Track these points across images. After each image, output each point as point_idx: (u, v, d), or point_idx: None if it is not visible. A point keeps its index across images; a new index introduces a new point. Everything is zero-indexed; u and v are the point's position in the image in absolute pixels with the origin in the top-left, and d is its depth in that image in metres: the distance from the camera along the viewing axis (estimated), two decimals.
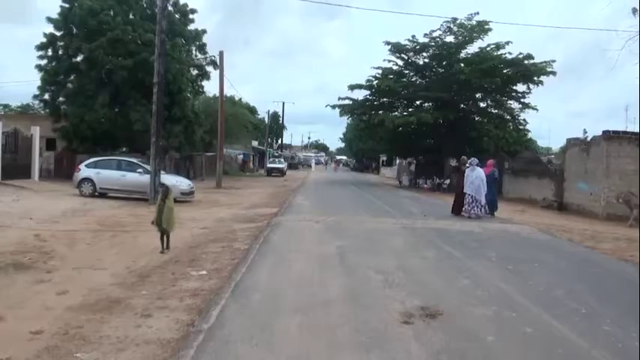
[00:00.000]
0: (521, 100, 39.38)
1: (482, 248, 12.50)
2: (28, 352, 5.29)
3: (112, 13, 31.91)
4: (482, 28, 37.50)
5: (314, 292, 7.90)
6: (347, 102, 42.83)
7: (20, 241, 11.36)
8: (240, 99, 59.56)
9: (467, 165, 20.11)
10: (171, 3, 32.62)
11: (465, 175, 19.75)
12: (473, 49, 38.66)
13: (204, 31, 36.68)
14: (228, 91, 41.77)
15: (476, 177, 19.58)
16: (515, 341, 6.02)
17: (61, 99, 33.43)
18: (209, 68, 37.77)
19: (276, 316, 6.65)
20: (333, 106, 43.05)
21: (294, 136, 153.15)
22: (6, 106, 58.21)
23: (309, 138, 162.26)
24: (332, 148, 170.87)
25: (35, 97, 34.92)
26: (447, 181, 38.33)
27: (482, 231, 15.72)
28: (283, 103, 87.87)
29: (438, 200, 28.68)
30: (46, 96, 33.70)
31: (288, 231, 14.33)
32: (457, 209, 19.79)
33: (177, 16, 34.36)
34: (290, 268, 9.63)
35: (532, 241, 14.46)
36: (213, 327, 6.10)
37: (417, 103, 42.19)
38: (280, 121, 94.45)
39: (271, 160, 68.24)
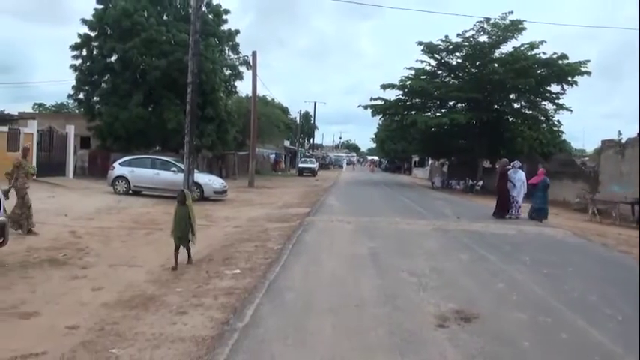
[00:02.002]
0: (555, 100, 38.82)
1: (517, 251, 12.37)
2: (64, 347, 5.34)
3: (145, 14, 32.27)
4: (515, 27, 36.97)
5: (347, 292, 7.86)
6: (379, 102, 42.64)
7: (55, 238, 11.50)
8: (273, 99, 59.78)
9: (509, 167, 20.18)
10: (205, 4, 32.85)
11: (508, 176, 19.76)
12: (507, 48, 38.18)
13: (237, 32, 36.87)
14: (260, 91, 41.89)
15: (517, 179, 20.00)
16: (550, 347, 5.93)
17: (95, 98, 33.98)
18: (242, 68, 37.98)
19: (310, 315, 6.65)
20: (365, 107, 42.91)
21: (325, 136, 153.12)
22: (41, 105, 59.33)
23: (340, 138, 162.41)
24: (363, 148, 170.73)
25: (70, 96, 35.60)
26: (480, 183, 37.96)
27: (516, 234, 15.58)
28: (315, 103, 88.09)
29: (471, 202, 28.43)
30: (81, 95, 34.29)
31: (321, 231, 14.29)
32: (500, 211, 19.68)
33: (210, 16, 34.55)
34: (323, 268, 9.62)
35: (566, 244, 14.28)
36: (248, 325, 6.10)
37: (450, 103, 41.84)
38: (312, 121, 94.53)
39: (303, 160, 68.23)
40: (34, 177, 12.91)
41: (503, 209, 19.73)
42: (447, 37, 39.01)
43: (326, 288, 8.14)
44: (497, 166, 20.66)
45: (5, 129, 24.96)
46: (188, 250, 9.54)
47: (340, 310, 6.90)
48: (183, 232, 9.31)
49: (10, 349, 5.22)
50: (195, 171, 21.88)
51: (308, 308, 6.97)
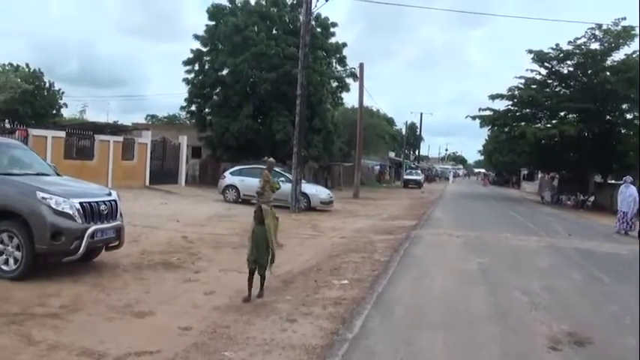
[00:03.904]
0: None
1: (630, 272, 11.76)
2: (177, 347, 5.50)
3: (256, 29, 33.14)
4: (628, 33, 34.97)
5: (458, 308, 7.73)
6: (487, 113, 41.61)
7: (169, 242, 11.92)
8: (378, 110, 59.72)
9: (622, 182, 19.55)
10: (313, 17, 33.32)
11: (619, 192, 19.09)
12: (619, 56, 36.15)
13: (344, 44, 37.00)
14: (366, 102, 41.81)
15: (629, 195, 19.58)
16: None
17: (206, 110, 35.27)
18: (348, 80, 38.05)
19: (419, 330, 6.55)
20: (474, 117, 41.98)
21: (431, 147, 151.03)
22: (153, 116, 62.05)
23: (446, 150, 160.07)
24: (470, 160, 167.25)
25: (182, 108, 37.24)
26: (592, 199, 36.17)
27: (628, 253, 14.88)
28: (421, 114, 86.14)
29: (582, 219, 27.21)
30: (193, 107, 35.72)
31: (428, 245, 14.11)
32: None
33: (318, 29, 34.95)
34: (432, 282, 9.49)
35: None
36: (358, 337, 6.06)
37: (561, 114, 40.22)
38: (417, 133, 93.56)
39: (408, 171, 67.28)
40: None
41: None
42: (557, 44, 37.48)
43: (435, 303, 8.02)
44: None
45: (120, 139, 26.18)
46: (262, 278, 7.81)
47: (451, 327, 6.78)
48: (260, 257, 7.63)
49: (125, 345, 5.43)
50: (303, 181, 22.15)
51: (418, 323, 6.89)
